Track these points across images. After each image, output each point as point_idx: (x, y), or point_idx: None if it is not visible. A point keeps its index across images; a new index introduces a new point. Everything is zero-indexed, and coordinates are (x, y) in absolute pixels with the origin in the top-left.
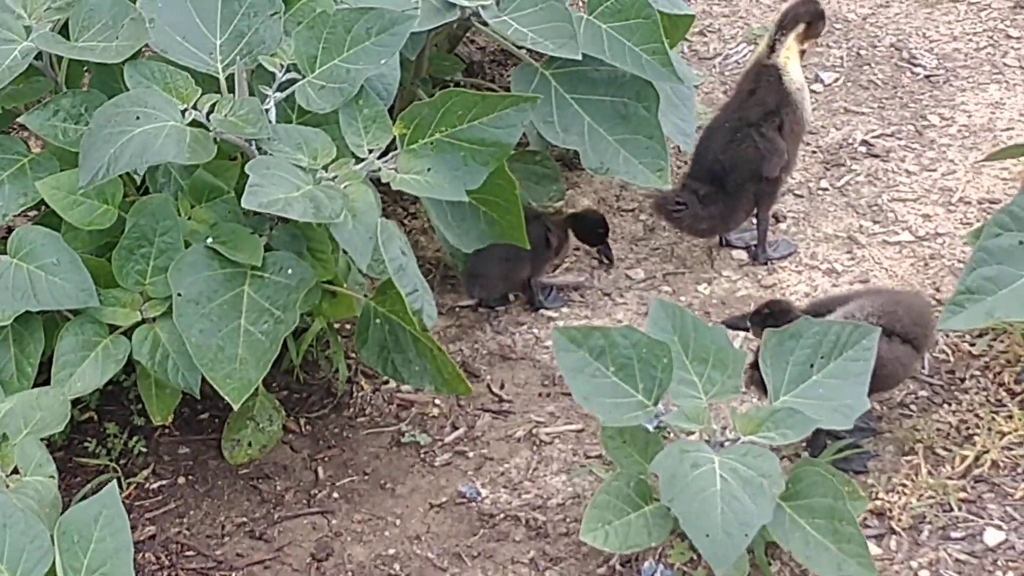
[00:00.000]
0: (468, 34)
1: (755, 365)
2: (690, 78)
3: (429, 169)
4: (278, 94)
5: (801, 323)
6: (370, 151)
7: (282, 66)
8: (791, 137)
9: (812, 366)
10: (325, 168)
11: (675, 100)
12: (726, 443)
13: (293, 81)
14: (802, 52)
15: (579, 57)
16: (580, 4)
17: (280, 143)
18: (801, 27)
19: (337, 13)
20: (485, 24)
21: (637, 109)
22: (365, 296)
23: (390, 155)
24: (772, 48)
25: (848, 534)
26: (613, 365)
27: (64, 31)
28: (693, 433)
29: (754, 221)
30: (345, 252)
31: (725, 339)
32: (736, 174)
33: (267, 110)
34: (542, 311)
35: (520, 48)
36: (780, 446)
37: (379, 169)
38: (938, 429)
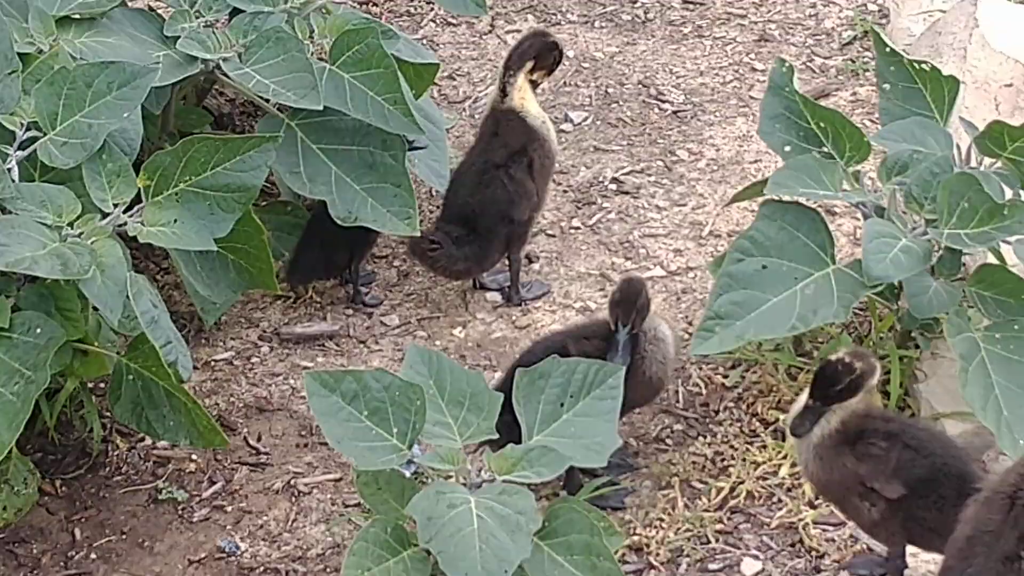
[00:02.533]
0: (216, 87)
1: None
2: (440, 121)
3: (175, 220)
4: (19, 152)
5: (549, 362)
6: (115, 205)
7: (22, 124)
8: (541, 173)
9: (562, 405)
10: (71, 224)
11: (427, 142)
12: (482, 484)
13: (35, 139)
14: (536, 83)
15: (321, 108)
16: (324, 53)
17: (24, 202)
18: (529, 64)
19: (77, 68)
20: (228, 76)
21: (384, 157)
22: (118, 353)
23: (136, 208)
24: (504, 92)
25: (606, 569)
26: (366, 409)
27: None
28: (451, 476)
29: (507, 262)
30: (95, 309)
31: (481, 383)
32: (487, 217)
33: (8, 169)
34: (294, 362)
35: (265, 100)
36: (538, 485)
37: (125, 223)
38: (694, 462)
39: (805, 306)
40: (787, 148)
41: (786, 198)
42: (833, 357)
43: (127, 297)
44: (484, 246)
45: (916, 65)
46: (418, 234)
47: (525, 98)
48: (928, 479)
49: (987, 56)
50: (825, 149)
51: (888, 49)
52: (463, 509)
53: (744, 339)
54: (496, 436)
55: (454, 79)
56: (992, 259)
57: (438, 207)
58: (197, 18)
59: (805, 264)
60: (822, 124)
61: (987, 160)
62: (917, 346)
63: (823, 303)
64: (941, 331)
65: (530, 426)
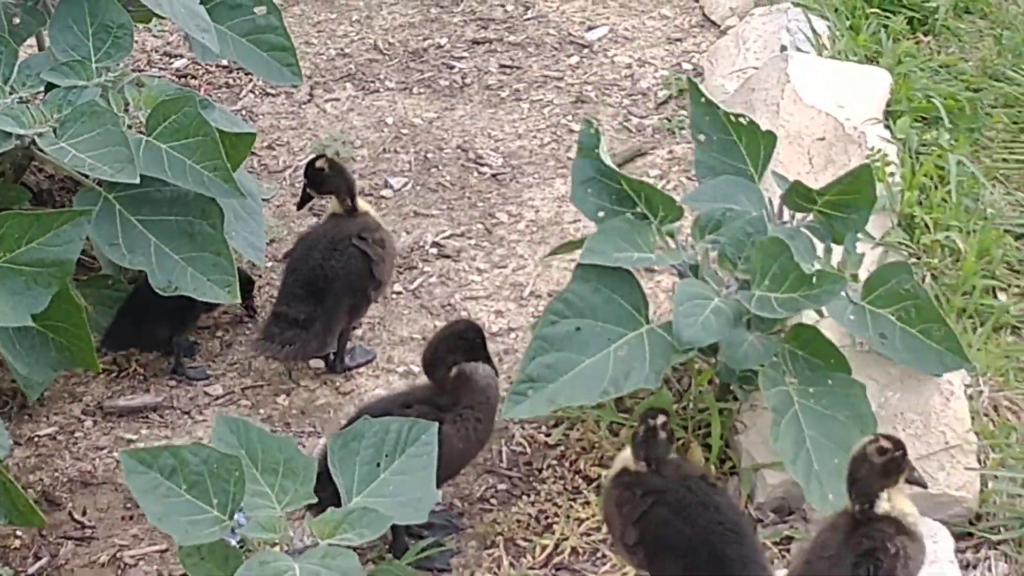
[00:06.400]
0: (34, 163)
1: None
2: (258, 193)
3: None
4: None
5: (361, 424)
6: None
7: None
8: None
9: (379, 465)
10: None
11: (243, 215)
12: (306, 549)
13: None
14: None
15: (137, 180)
16: (142, 126)
17: None
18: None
19: None
20: (44, 152)
21: (202, 227)
22: None
23: None
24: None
25: None
26: (185, 483)
27: None
28: (276, 544)
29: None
30: None
31: (293, 449)
32: (336, 286)
33: None
34: (117, 435)
35: (83, 175)
36: (365, 549)
37: None
38: (518, 520)
39: (618, 368)
40: (600, 213)
41: (603, 263)
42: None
43: None
44: (329, 319)
45: (733, 118)
46: (238, 301)
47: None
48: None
49: (799, 110)
50: (638, 210)
51: (704, 100)
52: None
53: (556, 403)
54: (316, 501)
55: (274, 148)
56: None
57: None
58: (11, 94)
59: (620, 325)
60: (635, 188)
61: (798, 215)
62: (736, 398)
63: (636, 366)
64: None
65: (348, 488)
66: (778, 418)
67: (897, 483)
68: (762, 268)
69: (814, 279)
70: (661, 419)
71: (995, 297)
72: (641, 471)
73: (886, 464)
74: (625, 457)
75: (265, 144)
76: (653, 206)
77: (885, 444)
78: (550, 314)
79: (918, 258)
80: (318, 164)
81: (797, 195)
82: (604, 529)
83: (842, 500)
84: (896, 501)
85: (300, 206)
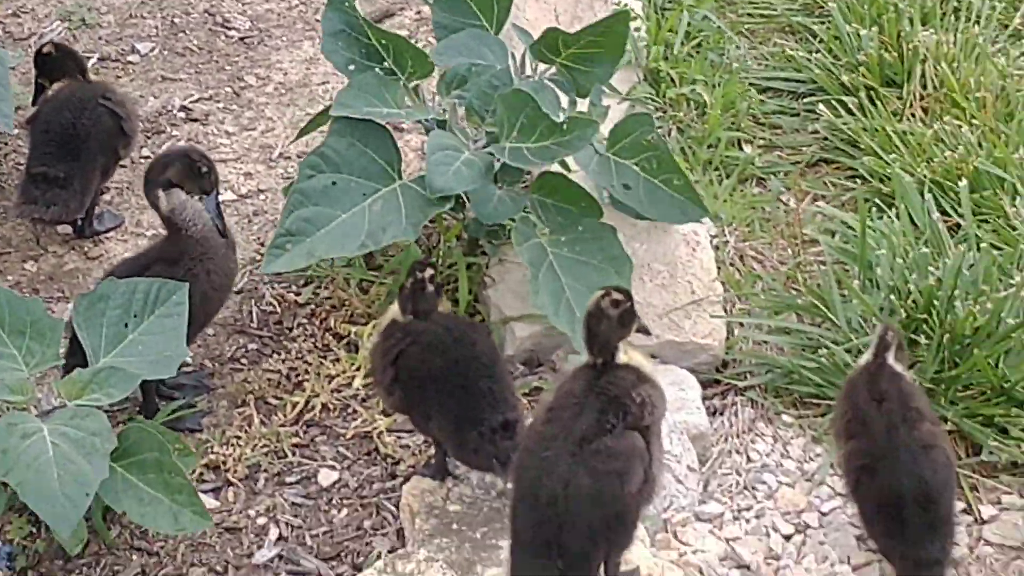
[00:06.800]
0: None
1: None
2: (4, 59)
3: None
4: None
5: (107, 284)
6: None
7: None
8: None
9: (127, 325)
10: None
11: None
12: (54, 410)
13: None
14: None
15: None
16: None
17: None
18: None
19: None
20: None
21: None
22: None
23: None
24: None
25: (179, 485)
26: None
27: None
28: (24, 408)
29: None
30: None
31: (41, 310)
32: (90, 144)
33: None
34: None
35: None
36: (115, 411)
37: None
38: (269, 379)
39: (375, 223)
40: (351, 67)
41: (353, 115)
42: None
43: None
44: (85, 178)
45: None
46: None
47: None
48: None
49: None
50: (387, 65)
51: None
52: (37, 438)
53: (315, 257)
54: (63, 362)
55: (19, 16)
56: (556, 167)
57: None
58: None
59: (374, 180)
60: (383, 41)
61: (542, 66)
62: (484, 253)
63: (392, 220)
64: (508, 238)
65: (95, 349)
66: (535, 271)
67: (631, 333)
68: (509, 120)
69: (565, 126)
70: (429, 272)
71: (741, 149)
72: (408, 323)
73: (621, 316)
74: (394, 310)
75: (10, 12)
76: (402, 61)
77: (617, 296)
78: (306, 168)
79: (664, 112)
80: (45, 50)
81: (545, 46)
82: (354, 384)
83: None
84: (630, 352)
85: (35, 100)
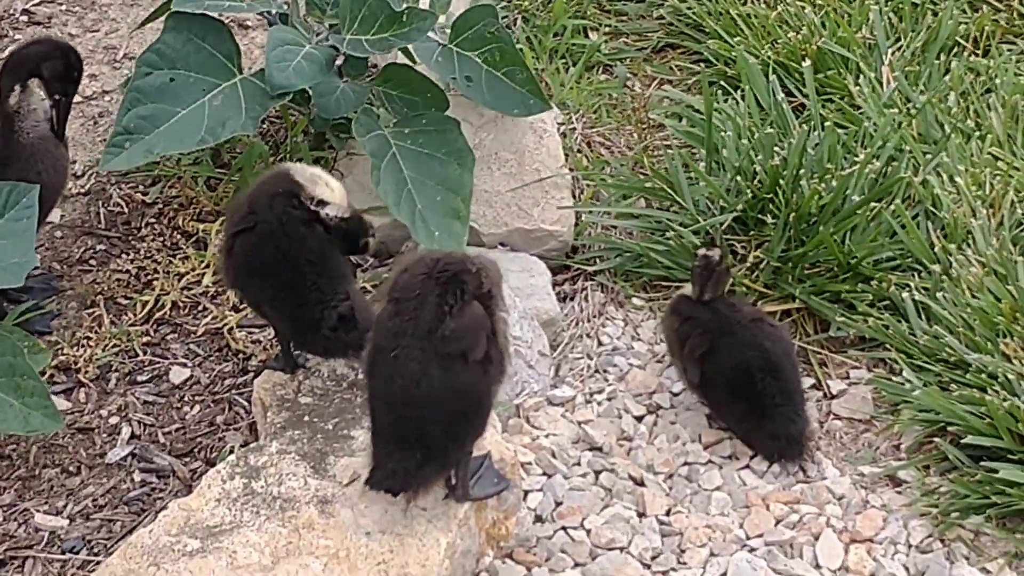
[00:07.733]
0: None
1: None
2: None
3: None
4: None
5: None
6: None
7: None
8: None
9: None
10: None
11: None
12: None
13: None
14: None
15: None
16: None
17: None
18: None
19: None
20: None
21: None
22: None
23: None
24: None
25: (31, 387)
26: None
27: None
28: None
29: None
30: None
31: None
32: None
33: None
34: None
35: None
36: None
37: None
38: (118, 280)
39: (214, 118)
40: None
41: (193, 10)
42: None
43: None
44: None
45: None
46: None
47: None
48: None
49: None
50: None
51: None
52: None
53: (154, 154)
54: None
55: None
56: (402, 59)
57: None
58: None
59: (212, 75)
60: None
61: None
62: (332, 147)
63: (232, 115)
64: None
65: None
66: (377, 163)
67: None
68: (351, 12)
69: (404, 17)
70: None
71: (586, 37)
72: None
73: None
74: None
75: None
76: None
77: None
78: (143, 66)
79: (509, 1)
80: None
81: None
82: (204, 282)
83: (448, 237)
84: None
85: None
